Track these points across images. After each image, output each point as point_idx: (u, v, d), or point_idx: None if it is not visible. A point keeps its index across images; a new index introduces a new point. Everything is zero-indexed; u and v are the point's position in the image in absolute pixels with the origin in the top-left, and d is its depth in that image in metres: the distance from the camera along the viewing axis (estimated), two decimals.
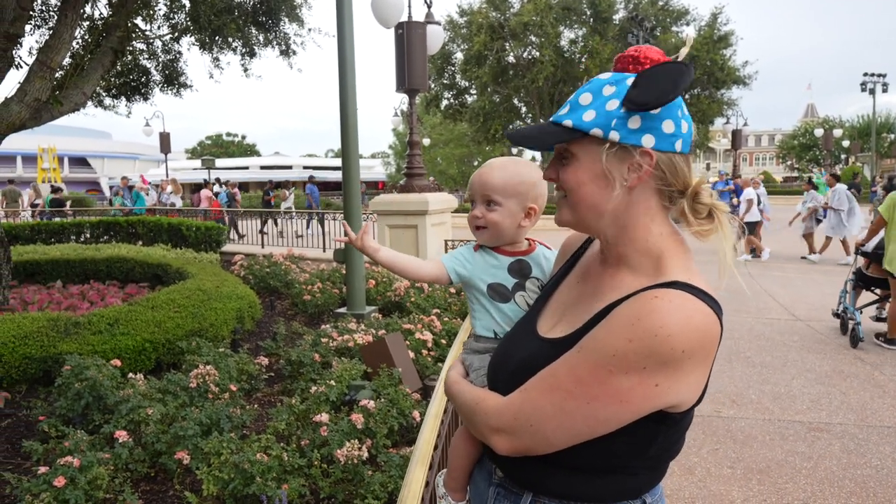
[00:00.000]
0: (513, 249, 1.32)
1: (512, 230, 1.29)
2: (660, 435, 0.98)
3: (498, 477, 1.17)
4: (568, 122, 1.00)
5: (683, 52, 1.01)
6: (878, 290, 6.57)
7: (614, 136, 0.97)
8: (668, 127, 0.96)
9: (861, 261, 6.61)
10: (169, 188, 17.85)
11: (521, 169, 1.28)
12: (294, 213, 15.83)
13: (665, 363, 0.88)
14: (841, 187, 11.91)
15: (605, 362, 0.91)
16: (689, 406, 0.97)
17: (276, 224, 16.09)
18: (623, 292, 0.98)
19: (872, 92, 37.21)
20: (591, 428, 0.95)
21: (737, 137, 26.87)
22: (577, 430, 0.95)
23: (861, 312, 6.28)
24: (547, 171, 1.08)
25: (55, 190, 21.44)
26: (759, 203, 12.86)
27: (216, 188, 20.03)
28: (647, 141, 0.96)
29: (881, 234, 6.20)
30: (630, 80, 0.97)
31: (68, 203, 19.58)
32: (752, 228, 12.54)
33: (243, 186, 46.49)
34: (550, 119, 1.04)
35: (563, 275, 1.22)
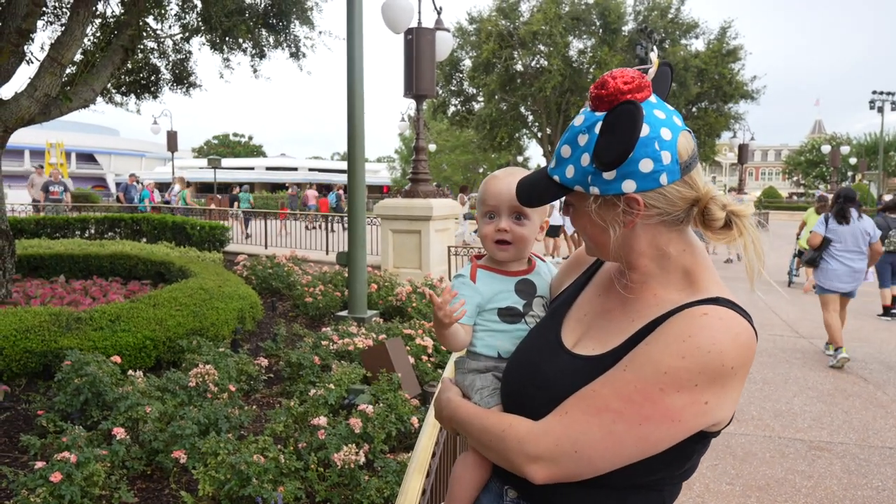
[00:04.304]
0: (517, 268, 1.26)
1: (531, 246, 1.25)
2: (695, 454, 0.97)
3: (510, 497, 1.10)
4: (556, 178, 0.99)
5: (652, 72, 0.98)
6: None
7: (594, 190, 0.95)
8: (646, 166, 0.92)
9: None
10: (176, 186, 17.98)
11: None
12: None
13: (714, 380, 0.88)
14: None
15: (657, 380, 0.89)
16: (725, 424, 0.96)
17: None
18: (661, 309, 0.96)
19: (881, 110, 37.20)
20: (641, 450, 0.91)
21: (743, 152, 26.78)
22: (627, 453, 0.91)
23: (798, 272, 11.25)
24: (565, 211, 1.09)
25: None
26: None
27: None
28: (628, 186, 0.93)
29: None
30: (598, 127, 0.93)
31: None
32: None
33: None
34: (546, 170, 1.03)
35: (581, 286, 1.18)
